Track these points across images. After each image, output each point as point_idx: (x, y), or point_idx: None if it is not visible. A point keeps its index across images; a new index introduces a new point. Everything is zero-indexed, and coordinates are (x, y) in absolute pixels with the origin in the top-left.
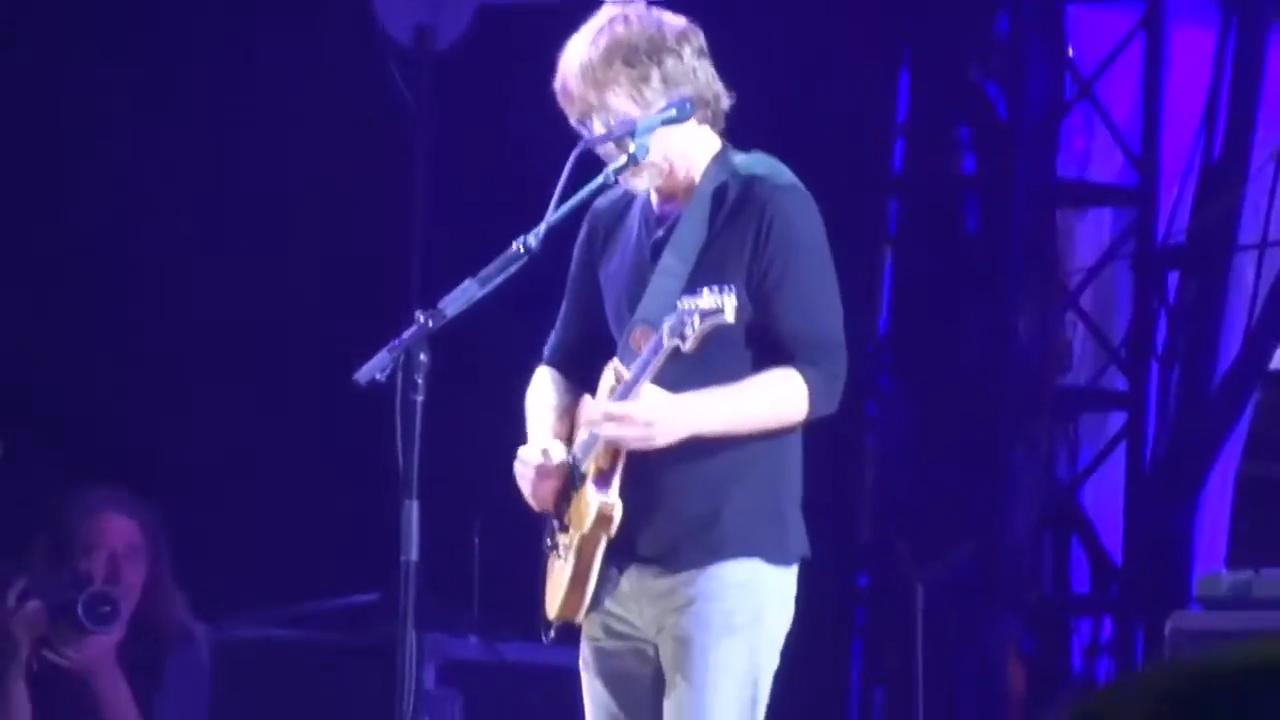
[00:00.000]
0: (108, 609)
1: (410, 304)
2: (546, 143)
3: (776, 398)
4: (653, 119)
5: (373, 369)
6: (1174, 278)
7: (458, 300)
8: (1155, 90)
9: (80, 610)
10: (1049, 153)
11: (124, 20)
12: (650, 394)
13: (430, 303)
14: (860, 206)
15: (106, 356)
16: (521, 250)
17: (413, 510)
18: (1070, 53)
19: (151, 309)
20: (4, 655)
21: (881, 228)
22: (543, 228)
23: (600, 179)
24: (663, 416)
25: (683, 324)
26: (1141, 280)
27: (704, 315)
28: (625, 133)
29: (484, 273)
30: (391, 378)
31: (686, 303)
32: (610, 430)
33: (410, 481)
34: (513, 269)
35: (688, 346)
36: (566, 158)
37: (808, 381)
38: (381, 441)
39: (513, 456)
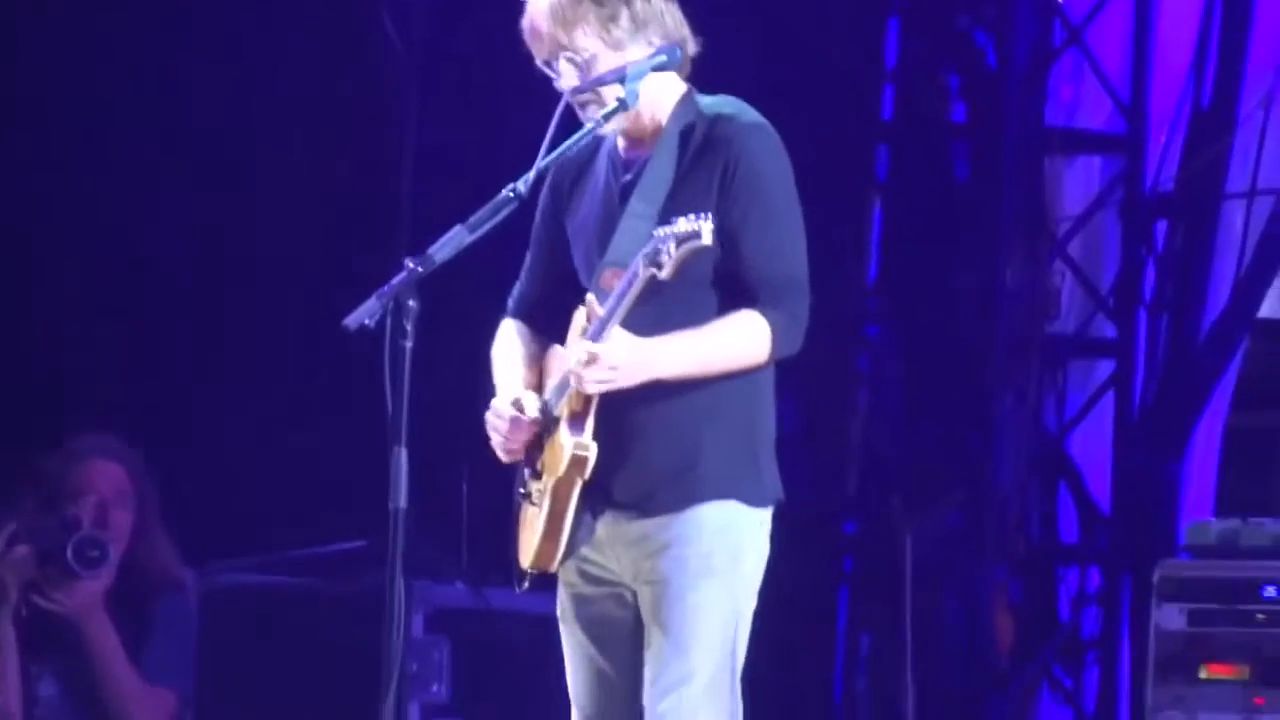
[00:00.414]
0: (96, 553)
1: (400, 250)
2: (537, 88)
3: (739, 341)
4: (642, 65)
5: (362, 315)
6: (1162, 226)
7: (447, 246)
8: (1144, 38)
9: (69, 554)
10: (1038, 100)
11: None
12: (617, 336)
13: (420, 249)
14: (849, 154)
15: (94, 304)
16: (511, 196)
17: (401, 457)
18: (1059, 0)
19: (141, 257)
20: None
21: (870, 175)
22: (532, 174)
23: (590, 124)
24: (626, 359)
25: (658, 251)
26: (1130, 228)
27: (680, 240)
28: (616, 79)
29: (474, 218)
30: (381, 324)
31: (662, 231)
32: (576, 370)
33: (399, 428)
34: (502, 214)
35: (665, 273)
36: (556, 103)
37: (770, 324)
38: (370, 388)
39: None
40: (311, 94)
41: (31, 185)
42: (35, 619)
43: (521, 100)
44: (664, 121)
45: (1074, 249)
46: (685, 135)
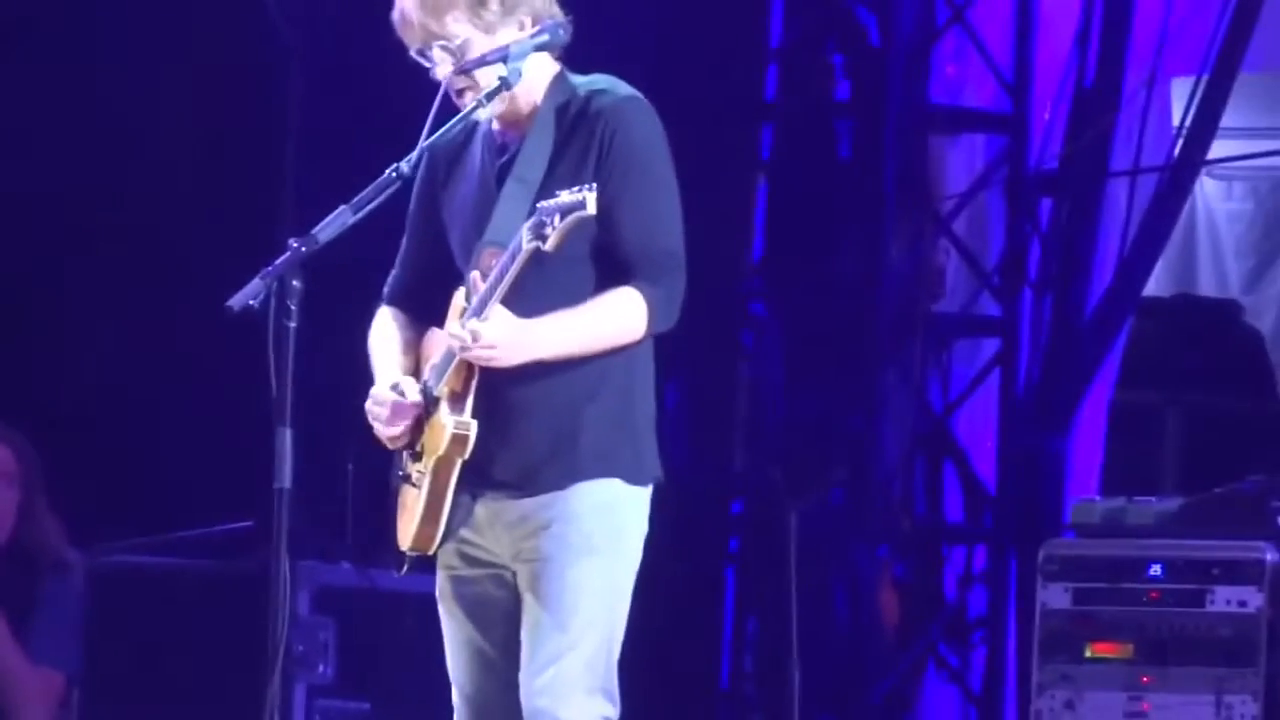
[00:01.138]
0: None
1: (284, 230)
2: (420, 69)
3: (616, 319)
4: (525, 44)
5: (246, 296)
6: (1047, 204)
7: (331, 226)
8: (1028, 15)
9: None
10: (921, 78)
11: None
12: (497, 315)
13: (304, 229)
14: (733, 132)
15: None
16: (395, 176)
17: (286, 437)
18: None
19: (22, 236)
20: None
21: (754, 154)
22: (416, 154)
23: (473, 104)
24: (506, 338)
25: (542, 224)
26: (1014, 206)
27: (565, 211)
28: (499, 58)
29: (358, 199)
30: (265, 304)
31: (546, 203)
32: (458, 349)
33: (284, 408)
34: (386, 195)
35: (550, 245)
36: (440, 84)
37: (647, 300)
38: (255, 368)
39: None
40: (194, 73)
41: None
42: None
43: (406, 80)
44: (538, 102)
45: (959, 227)
46: (560, 113)
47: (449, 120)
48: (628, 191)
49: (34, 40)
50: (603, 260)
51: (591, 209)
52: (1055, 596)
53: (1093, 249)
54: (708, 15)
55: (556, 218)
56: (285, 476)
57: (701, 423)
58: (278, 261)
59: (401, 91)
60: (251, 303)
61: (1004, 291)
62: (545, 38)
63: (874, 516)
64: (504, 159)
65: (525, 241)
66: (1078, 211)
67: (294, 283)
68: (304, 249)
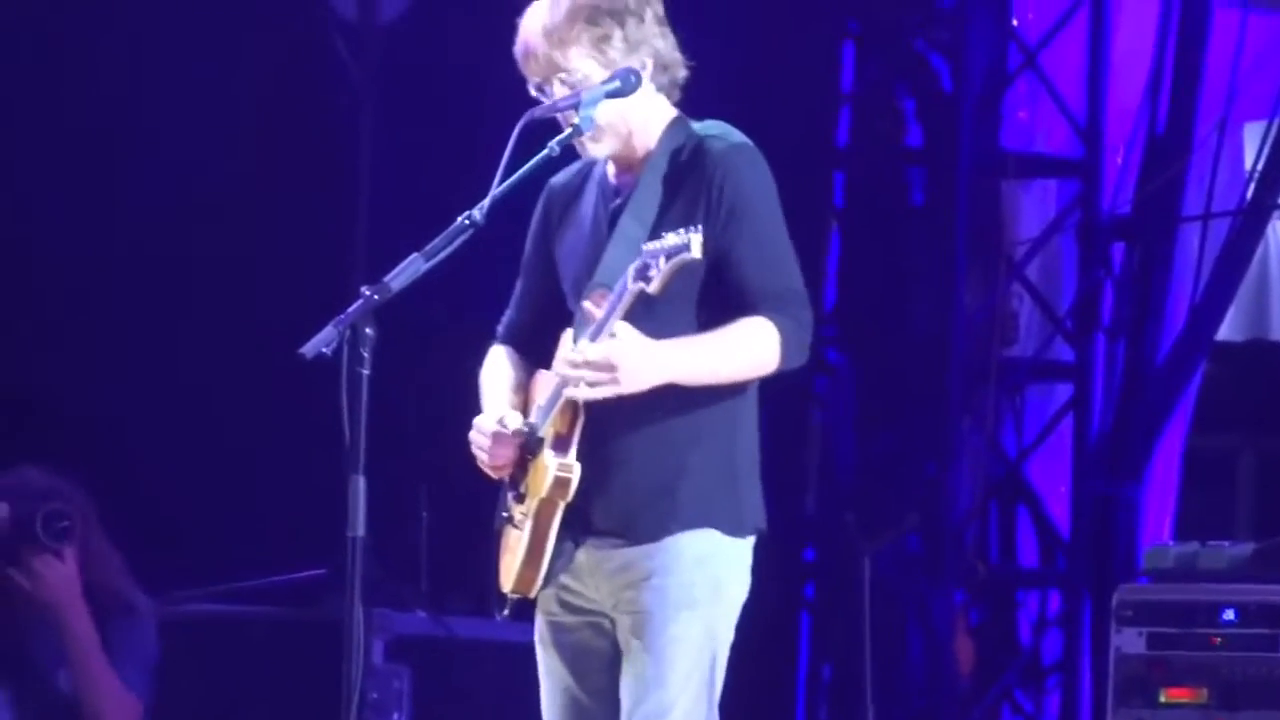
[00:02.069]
0: (65, 524)
1: (356, 278)
2: (492, 115)
3: (749, 346)
4: (596, 91)
5: (319, 343)
6: (1119, 249)
7: (403, 274)
8: (1100, 61)
9: (38, 524)
10: (993, 124)
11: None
12: (622, 332)
13: (376, 277)
14: (806, 179)
15: (56, 331)
16: (467, 224)
17: (359, 485)
18: (1015, 23)
19: (99, 283)
20: None
21: (827, 200)
22: (488, 201)
23: (545, 151)
24: (632, 359)
25: (647, 266)
26: (1087, 251)
27: (670, 254)
28: (570, 104)
29: (430, 246)
30: (337, 352)
31: (650, 245)
32: (575, 375)
33: (357, 456)
34: (459, 242)
35: (654, 287)
36: (512, 130)
37: (780, 329)
38: (328, 417)
39: (460, 431)
40: (268, 122)
41: None
42: (5, 592)
43: (478, 127)
44: (652, 147)
45: (1031, 272)
46: (673, 159)
47: (522, 166)
48: (744, 234)
49: (102, 80)
50: (720, 306)
51: (696, 253)
52: (1129, 641)
53: (1165, 294)
54: (780, 60)
55: (661, 260)
56: (359, 524)
57: (775, 468)
58: (350, 309)
59: (475, 136)
60: (325, 350)
61: (1077, 337)
62: (616, 84)
63: (948, 562)
64: (617, 202)
65: (630, 283)
66: (1150, 256)
67: (367, 330)
68: (377, 297)
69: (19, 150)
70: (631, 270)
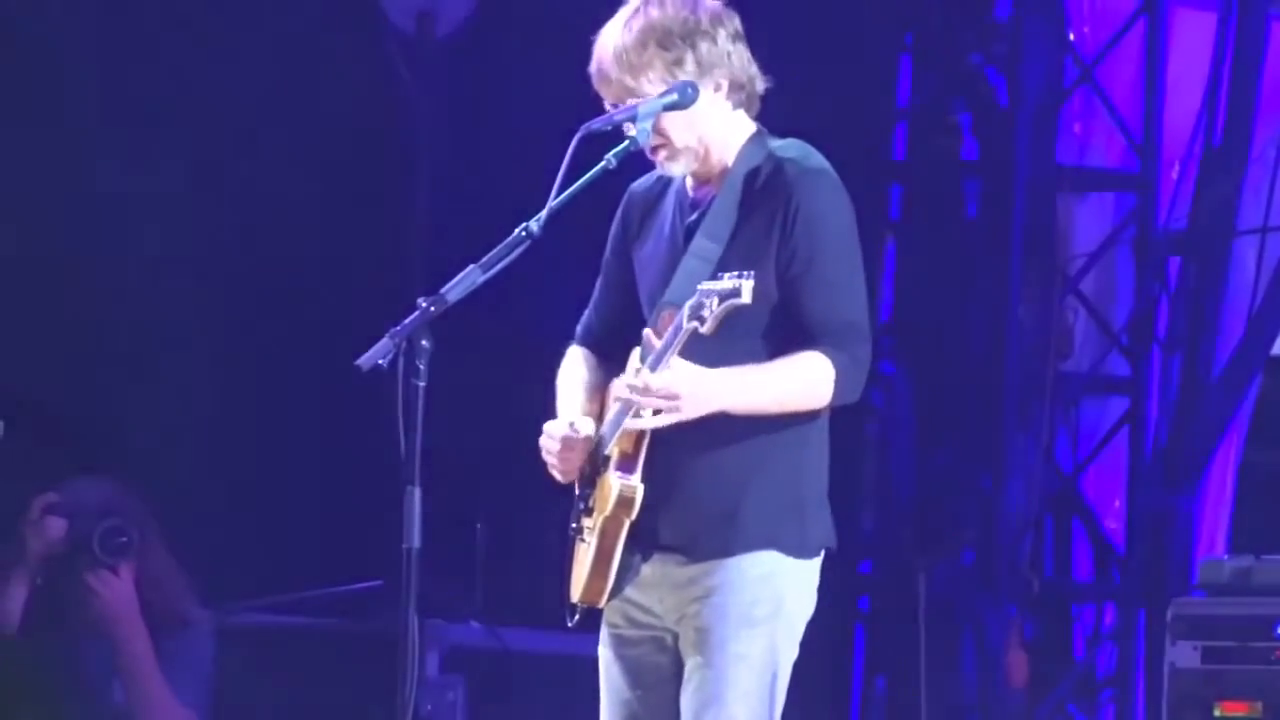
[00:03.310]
0: (124, 540)
1: (413, 290)
2: (549, 128)
3: (802, 380)
4: (653, 104)
5: (375, 355)
6: (1175, 263)
7: (460, 286)
8: (1156, 75)
9: (96, 541)
10: (1049, 138)
11: (130, 8)
12: (678, 366)
13: (433, 289)
14: (862, 192)
15: (118, 345)
16: (524, 235)
17: (415, 496)
18: (1071, 37)
19: (155, 297)
20: (9, 555)
21: (883, 213)
22: (545, 213)
23: (602, 164)
24: (689, 389)
25: (701, 306)
26: (1142, 265)
27: (722, 298)
28: (627, 116)
29: (486, 258)
30: (394, 364)
31: (706, 285)
32: (636, 399)
33: (412, 468)
34: (515, 254)
35: (705, 328)
36: (569, 142)
37: (835, 365)
38: (384, 428)
39: (515, 442)
40: (326, 135)
41: (49, 230)
42: (60, 600)
43: (535, 138)
44: (730, 162)
45: (1087, 286)
46: (750, 178)
47: (579, 177)
48: (814, 264)
49: (170, 97)
50: (784, 331)
51: (746, 299)
52: (1184, 655)
53: (1221, 307)
54: (838, 75)
55: (715, 301)
56: (414, 536)
57: (831, 481)
58: (406, 321)
59: (532, 149)
60: (381, 362)
61: (1133, 351)
62: (673, 97)
63: (1003, 576)
64: (692, 217)
65: (685, 321)
66: (1206, 270)
67: (423, 342)
68: (433, 309)
69: (98, 174)
70: (687, 308)
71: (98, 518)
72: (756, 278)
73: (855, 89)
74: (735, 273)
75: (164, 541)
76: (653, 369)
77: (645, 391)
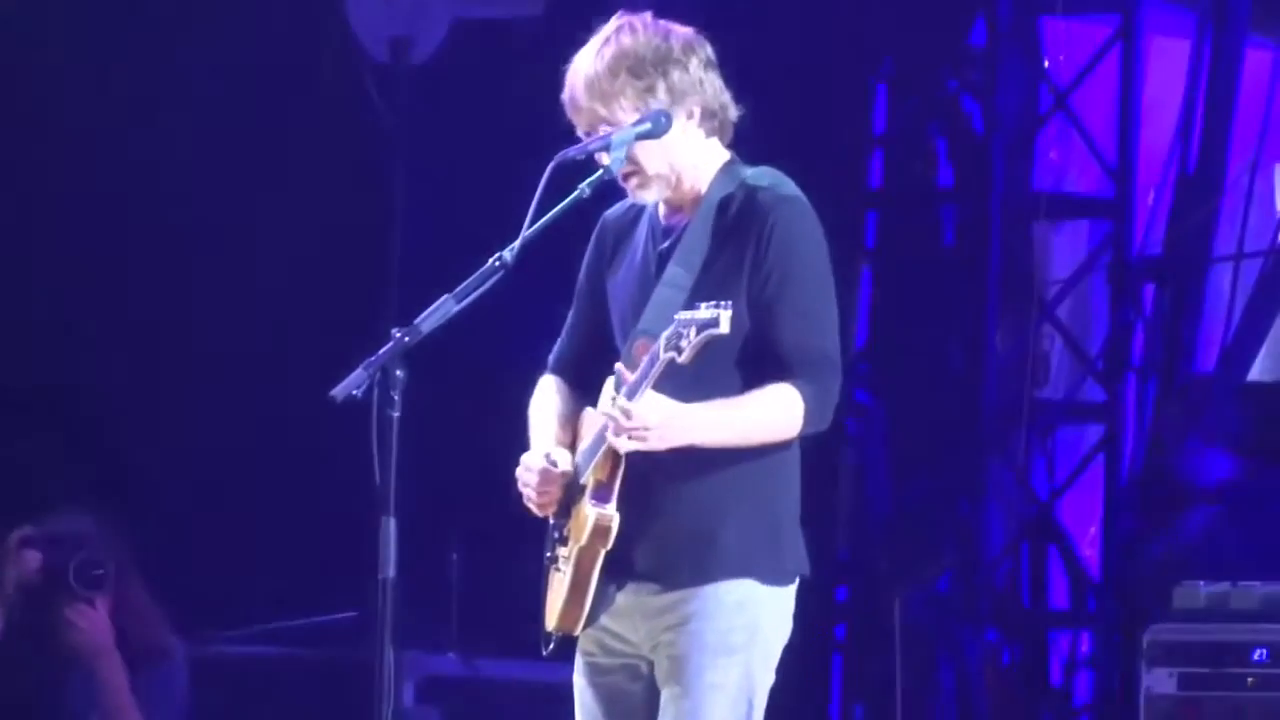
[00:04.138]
0: (99, 573)
1: (387, 320)
2: (522, 157)
3: (771, 416)
4: (626, 132)
5: (349, 386)
6: (1150, 289)
7: (434, 316)
8: (1131, 102)
9: (71, 573)
10: (1025, 165)
11: (105, 37)
12: (650, 399)
13: (407, 319)
14: (838, 219)
15: (91, 375)
16: (498, 265)
17: (390, 527)
18: (1046, 65)
19: (128, 329)
20: None
21: (859, 241)
22: (519, 242)
23: (576, 193)
24: (660, 420)
25: (678, 336)
26: (1118, 292)
27: (700, 328)
28: (601, 146)
29: (460, 288)
30: (368, 394)
31: (683, 315)
32: (609, 431)
33: (387, 498)
34: (489, 284)
35: (683, 359)
36: (543, 171)
37: (803, 398)
38: (358, 458)
39: (490, 472)
40: (299, 162)
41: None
42: (36, 632)
43: (509, 168)
44: (703, 190)
45: (1062, 313)
46: (723, 206)
47: (553, 207)
48: (785, 293)
49: (141, 123)
50: (757, 359)
51: (724, 329)
52: (1160, 681)
53: (1196, 334)
54: (813, 101)
55: (692, 331)
56: (389, 566)
57: (807, 508)
58: (381, 351)
59: (507, 177)
60: (355, 392)
61: (1108, 377)
62: (646, 126)
63: (980, 603)
64: (665, 244)
65: (662, 351)
66: (1181, 297)
67: (397, 372)
68: (407, 339)
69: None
70: (664, 339)
71: (73, 550)
72: (731, 306)
73: (830, 116)
74: (713, 302)
75: (139, 574)
76: (629, 399)
77: (623, 420)
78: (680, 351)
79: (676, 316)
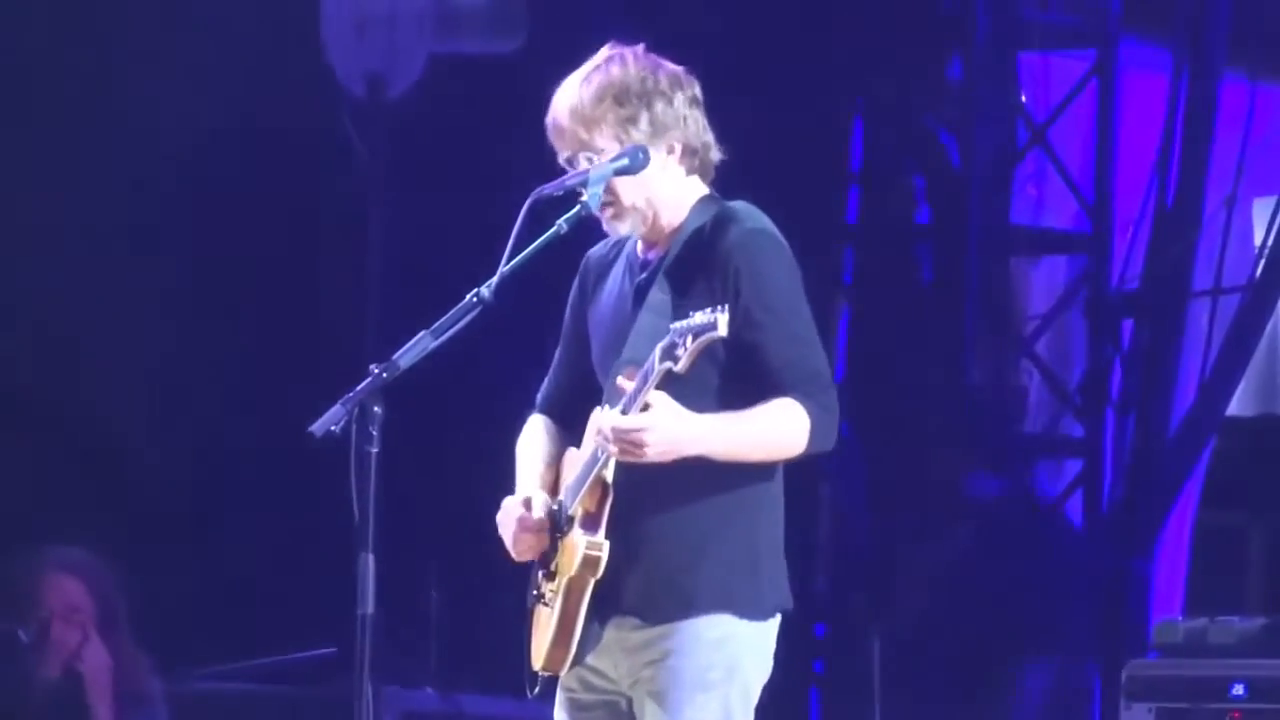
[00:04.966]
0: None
1: (365, 355)
2: (500, 191)
3: (778, 427)
4: (605, 168)
5: (327, 422)
6: (1128, 324)
7: (412, 352)
8: (1108, 137)
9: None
10: (1002, 200)
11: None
12: (661, 401)
13: (385, 354)
14: (815, 255)
15: (71, 416)
16: (476, 301)
17: (368, 563)
18: (1023, 99)
19: (102, 362)
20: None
21: (837, 276)
22: (496, 278)
23: (554, 229)
24: (668, 429)
25: (674, 345)
26: (1096, 327)
27: (697, 333)
28: (578, 182)
29: (438, 324)
30: (346, 430)
31: (678, 324)
32: (607, 444)
33: (366, 534)
34: (467, 320)
35: (680, 366)
36: (520, 207)
37: (809, 414)
38: (337, 494)
39: (469, 507)
40: (275, 197)
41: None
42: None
43: (487, 203)
44: (679, 223)
45: (1041, 348)
46: (694, 238)
47: (530, 243)
48: (767, 320)
49: (120, 156)
50: (741, 391)
51: (723, 330)
52: (1139, 717)
53: (1175, 369)
54: (788, 138)
55: (689, 338)
56: (368, 602)
57: (785, 543)
58: (359, 387)
59: (484, 213)
60: (333, 428)
61: (1086, 412)
62: (624, 162)
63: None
64: (643, 277)
65: (658, 362)
66: (1160, 332)
67: (375, 409)
68: (385, 374)
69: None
70: (659, 350)
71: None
72: (727, 310)
73: (807, 152)
74: (709, 308)
75: (124, 614)
76: (624, 412)
77: (615, 432)
78: (677, 360)
79: (672, 326)
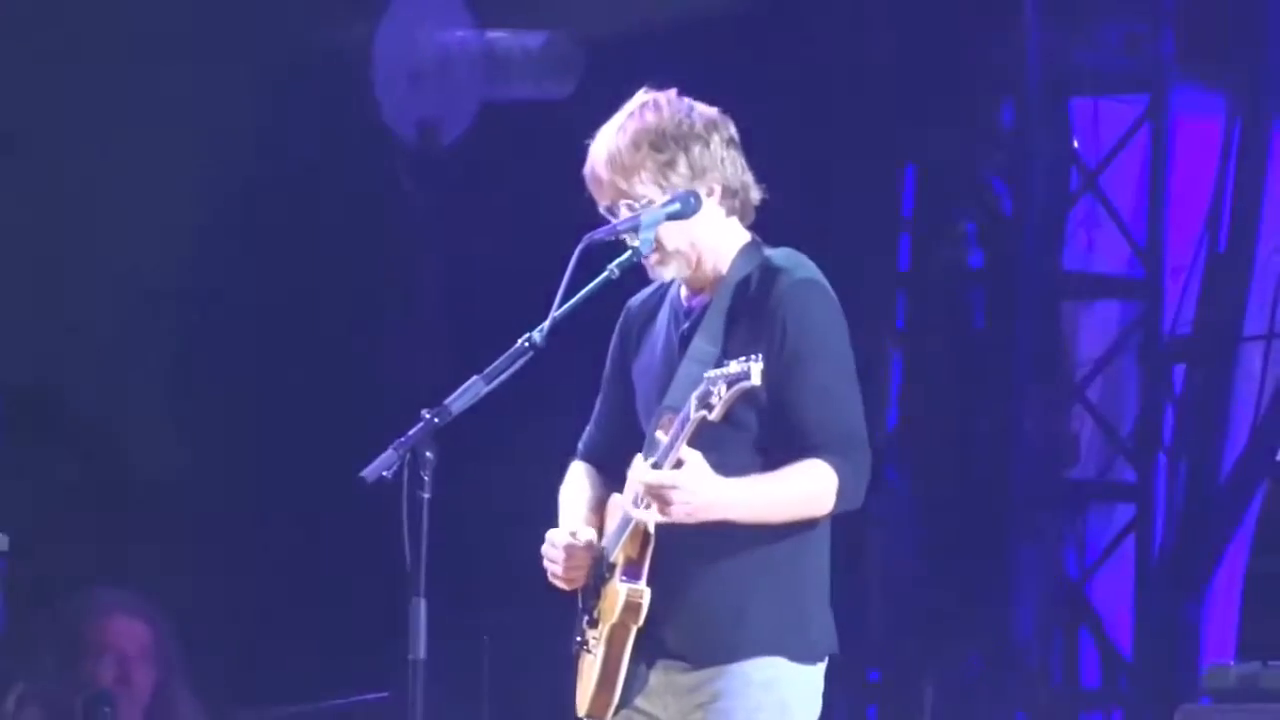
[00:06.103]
0: (107, 710)
1: (417, 401)
2: (552, 237)
3: (806, 490)
4: (656, 213)
5: (379, 466)
6: (1180, 370)
7: (464, 397)
8: (1160, 182)
9: (81, 712)
10: (1055, 246)
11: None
12: (691, 459)
13: (437, 400)
14: (868, 301)
15: (120, 461)
16: (527, 346)
17: (420, 608)
18: (1075, 145)
19: (160, 406)
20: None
21: (889, 322)
22: (548, 323)
23: (605, 274)
24: (697, 486)
25: (709, 393)
26: (1148, 372)
27: (730, 381)
28: (630, 227)
29: (490, 369)
30: (398, 475)
31: (712, 373)
32: (637, 501)
33: (418, 579)
34: (518, 364)
35: (715, 414)
36: (571, 252)
37: (838, 474)
38: (389, 539)
39: (521, 553)
40: (329, 244)
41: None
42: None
43: (537, 248)
44: (724, 270)
45: (1093, 393)
46: (741, 288)
47: (581, 288)
48: (806, 375)
49: (151, 213)
50: (779, 442)
51: (756, 380)
52: None
53: (1227, 414)
54: (839, 184)
55: (722, 387)
56: (420, 648)
57: (837, 590)
58: (411, 432)
59: (535, 258)
60: (385, 474)
61: (1139, 457)
62: (676, 207)
63: (1011, 684)
64: (687, 325)
65: (692, 410)
66: (1211, 377)
67: (427, 453)
68: (437, 420)
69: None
70: (694, 399)
71: (72, 691)
72: (761, 359)
73: (860, 199)
74: (743, 357)
75: (182, 661)
76: (659, 464)
77: (647, 489)
78: (711, 409)
79: (706, 375)
